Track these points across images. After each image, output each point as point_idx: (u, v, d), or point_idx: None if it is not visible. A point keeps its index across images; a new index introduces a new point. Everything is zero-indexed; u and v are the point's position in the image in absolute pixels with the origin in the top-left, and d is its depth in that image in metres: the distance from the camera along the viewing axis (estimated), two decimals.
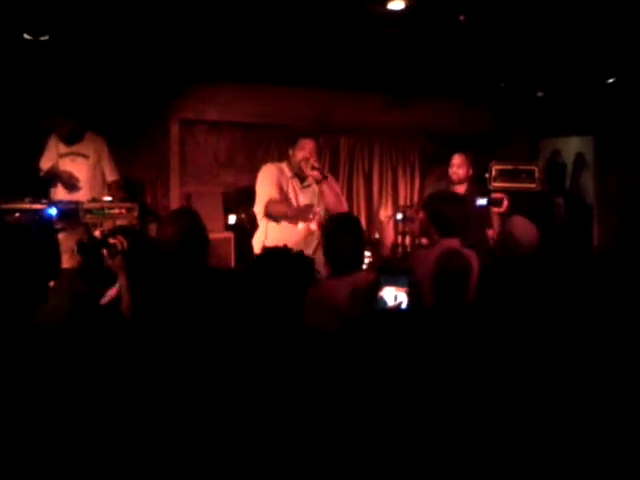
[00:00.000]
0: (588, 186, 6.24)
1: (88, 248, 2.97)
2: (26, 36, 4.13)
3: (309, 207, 4.20)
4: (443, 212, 3.32)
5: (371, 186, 6.49)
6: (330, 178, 4.37)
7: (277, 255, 2.28)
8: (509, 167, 5.68)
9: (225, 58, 5.16)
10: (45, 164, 4.92)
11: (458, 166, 5.02)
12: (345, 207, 4.47)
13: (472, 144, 6.38)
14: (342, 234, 2.96)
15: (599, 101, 5.67)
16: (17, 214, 4.04)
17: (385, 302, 2.27)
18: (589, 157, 6.22)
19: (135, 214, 4.23)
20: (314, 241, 4.14)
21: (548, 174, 6.22)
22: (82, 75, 5.13)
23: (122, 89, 5.44)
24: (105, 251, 2.88)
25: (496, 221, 4.54)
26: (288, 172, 4.30)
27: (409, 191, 6.54)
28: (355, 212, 6.22)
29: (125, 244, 2.89)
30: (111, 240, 2.90)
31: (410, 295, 2.34)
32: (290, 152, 4.31)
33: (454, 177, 4.99)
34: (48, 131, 4.92)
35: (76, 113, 4.92)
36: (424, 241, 3.82)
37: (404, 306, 2.28)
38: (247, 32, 4.62)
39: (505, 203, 4.45)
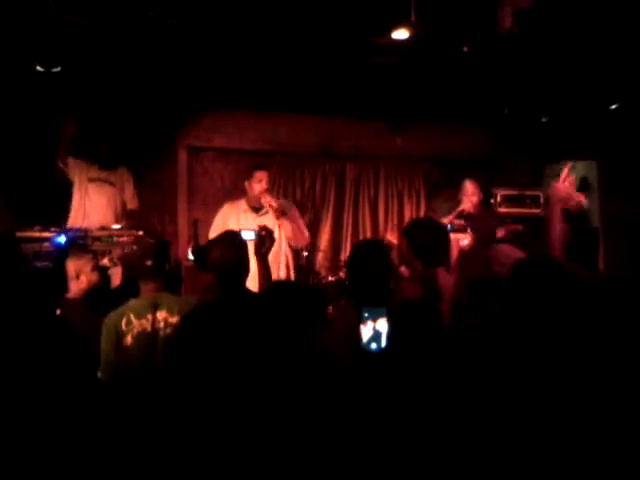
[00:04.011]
0: (593, 210, 6.26)
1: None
2: (38, 68, 4.20)
3: None
4: (427, 242, 3.08)
5: (377, 212, 6.51)
6: (293, 209, 4.67)
7: (286, 289, 2.30)
8: (514, 193, 5.74)
9: (232, 87, 5.22)
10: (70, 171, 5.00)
11: (473, 194, 5.04)
12: (306, 237, 4.72)
13: (476, 169, 6.44)
14: (366, 261, 2.82)
15: (603, 126, 5.71)
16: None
17: (381, 334, 2.18)
18: (593, 182, 6.24)
19: None
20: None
21: None
22: (90, 103, 5.20)
23: (130, 117, 5.51)
24: None
25: (456, 250, 4.20)
26: (243, 206, 4.64)
27: (415, 216, 6.54)
28: (362, 238, 6.24)
29: None
30: None
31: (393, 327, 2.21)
32: (246, 185, 4.61)
33: (469, 205, 4.98)
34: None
35: (116, 140, 5.13)
36: (403, 270, 3.51)
37: (384, 341, 2.17)
38: (253, 62, 4.69)
39: (470, 232, 4.23)
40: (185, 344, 2.29)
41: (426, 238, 3.12)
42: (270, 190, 4.59)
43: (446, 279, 3.12)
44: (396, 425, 1.92)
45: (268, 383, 2.01)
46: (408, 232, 3.29)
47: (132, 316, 2.85)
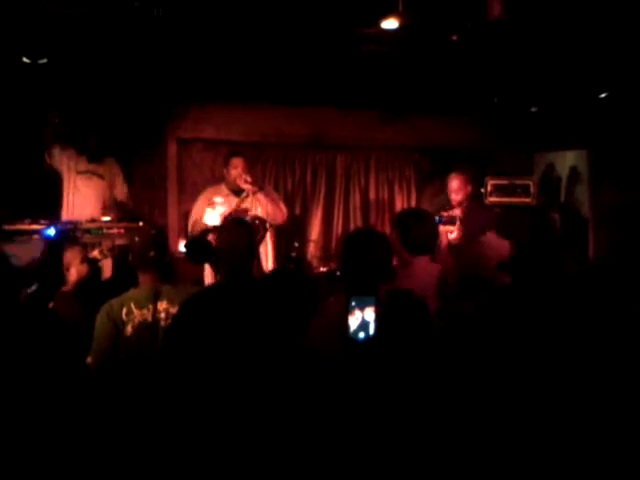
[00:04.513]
0: (583, 199, 6.28)
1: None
2: (25, 59, 4.18)
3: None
4: (414, 230, 3.16)
5: (368, 202, 6.51)
6: (268, 187, 5.00)
7: (285, 277, 2.30)
8: (504, 182, 5.71)
9: (220, 78, 5.20)
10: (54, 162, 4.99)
11: (457, 192, 4.92)
12: (284, 212, 4.90)
13: (467, 159, 6.44)
14: (365, 249, 2.77)
15: (592, 115, 5.72)
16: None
17: (369, 323, 2.17)
18: (583, 170, 6.25)
19: None
20: None
21: (543, 188, 6.26)
22: (78, 94, 5.17)
23: (119, 110, 5.48)
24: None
25: (445, 240, 4.27)
26: (224, 191, 4.85)
27: (406, 206, 6.55)
28: (353, 228, 6.25)
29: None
30: None
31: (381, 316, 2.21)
32: (224, 172, 4.87)
33: (454, 202, 4.85)
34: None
35: (104, 133, 5.12)
36: None
37: (372, 329, 2.16)
38: (242, 52, 4.67)
39: (458, 224, 4.26)
40: (185, 327, 2.29)
41: (413, 227, 3.17)
42: (245, 173, 4.77)
43: (431, 268, 3.14)
44: (384, 413, 1.93)
45: (262, 369, 2.02)
46: (396, 221, 3.37)
47: (133, 306, 2.83)
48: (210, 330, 2.21)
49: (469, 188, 5.00)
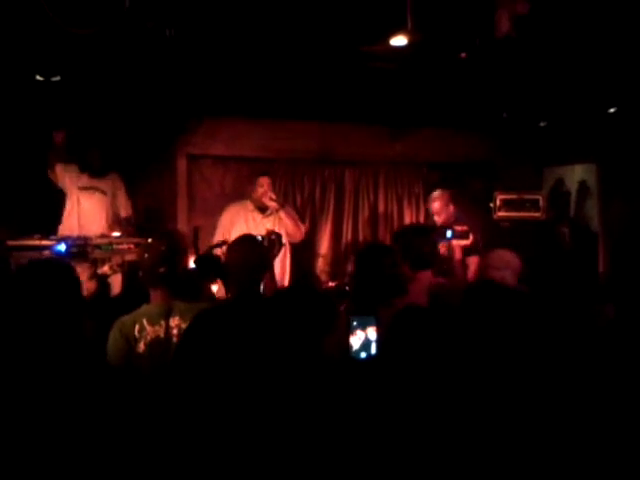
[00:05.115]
0: (592, 213, 6.26)
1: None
2: (38, 77, 4.22)
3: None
4: (415, 246, 3.16)
5: (377, 217, 6.51)
6: (288, 206, 5.28)
7: (303, 295, 2.30)
8: (514, 197, 5.73)
9: (230, 94, 5.24)
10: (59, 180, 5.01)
11: (438, 213, 4.92)
12: (302, 231, 5.20)
13: (476, 174, 6.46)
14: (370, 265, 2.80)
15: (601, 130, 5.72)
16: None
17: (371, 342, 2.17)
18: (592, 184, 6.24)
19: None
20: None
21: (552, 202, 6.25)
22: (87, 111, 5.21)
23: (128, 125, 5.52)
24: None
25: (458, 254, 4.23)
26: (250, 207, 5.14)
27: (415, 221, 6.55)
28: (362, 243, 6.25)
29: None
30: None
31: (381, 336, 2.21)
32: (251, 190, 5.13)
33: (437, 223, 4.83)
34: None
35: (107, 148, 5.17)
36: None
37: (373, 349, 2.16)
38: (252, 69, 4.70)
39: (471, 237, 4.22)
40: (192, 343, 2.29)
41: (413, 242, 3.18)
42: (271, 191, 5.07)
43: (434, 282, 3.13)
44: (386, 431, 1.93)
45: (269, 385, 2.02)
46: (396, 237, 3.40)
47: (145, 322, 2.81)
48: (217, 346, 2.22)
49: (451, 208, 4.95)
